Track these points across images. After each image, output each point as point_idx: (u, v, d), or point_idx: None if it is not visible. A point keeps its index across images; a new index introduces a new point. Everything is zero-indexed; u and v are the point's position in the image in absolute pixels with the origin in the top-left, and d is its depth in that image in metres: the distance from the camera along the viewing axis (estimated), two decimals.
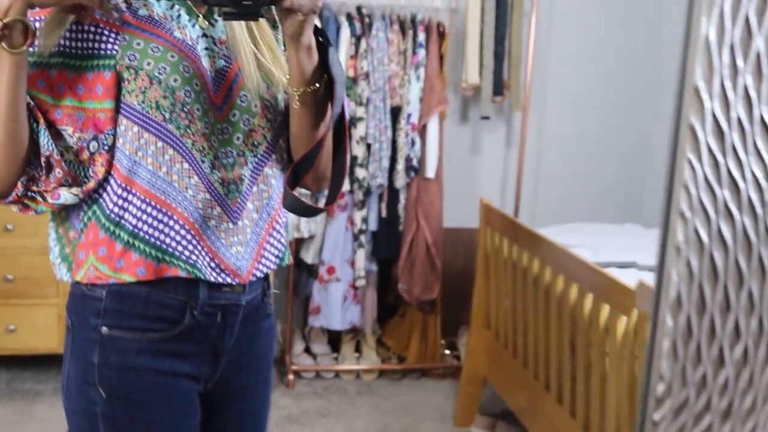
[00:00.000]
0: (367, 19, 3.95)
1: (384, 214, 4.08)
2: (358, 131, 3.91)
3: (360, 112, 3.91)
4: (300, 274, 4.19)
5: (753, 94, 0.74)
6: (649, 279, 2.86)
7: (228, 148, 1.51)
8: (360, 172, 3.94)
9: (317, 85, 1.46)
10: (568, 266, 2.84)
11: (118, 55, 1.43)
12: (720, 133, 0.74)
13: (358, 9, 3.97)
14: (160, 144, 1.45)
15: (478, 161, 4.53)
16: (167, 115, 1.45)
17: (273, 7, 1.40)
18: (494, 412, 3.75)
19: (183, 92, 1.45)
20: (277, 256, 1.65)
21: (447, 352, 4.38)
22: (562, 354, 2.87)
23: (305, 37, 1.41)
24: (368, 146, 3.94)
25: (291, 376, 4.07)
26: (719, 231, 0.75)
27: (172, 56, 1.46)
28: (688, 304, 0.76)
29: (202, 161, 1.49)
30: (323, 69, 1.47)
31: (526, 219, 4.27)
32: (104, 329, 1.47)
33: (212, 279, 1.51)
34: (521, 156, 4.30)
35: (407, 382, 4.24)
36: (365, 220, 4.03)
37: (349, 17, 3.92)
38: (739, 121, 0.74)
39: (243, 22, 1.51)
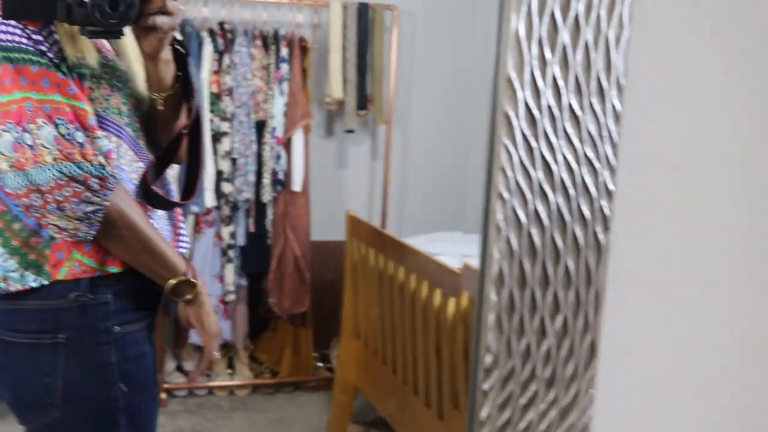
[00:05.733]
0: (229, 35, 3.96)
1: (252, 228, 4.09)
2: (223, 146, 3.91)
3: (225, 127, 3.91)
4: None
5: (561, 83, 0.80)
6: None
7: (149, 146, 1.66)
8: (226, 187, 3.94)
9: (176, 86, 1.61)
10: (431, 272, 2.91)
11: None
12: (532, 120, 0.80)
13: (221, 24, 3.97)
14: (124, 146, 1.55)
15: (345, 174, 4.59)
16: (127, 120, 1.56)
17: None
18: (367, 420, 3.79)
19: (134, 98, 1.60)
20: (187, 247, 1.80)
21: (320, 364, 4.41)
22: (429, 358, 2.94)
23: (165, 53, 1.54)
24: (234, 161, 3.95)
25: (163, 395, 4.02)
26: (536, 211, 0.81)
27: (121, 65, 1.58)
28: (510, 279, 0.81)
29: (148, 160, 1.63)
30: (182, 74, 1.61)
31: (392, 230, 4.34)
32: (117, 328, 1.56)
33: None
34: (386, 169, 4.38)
35: (281, 396, 4.25)
36: (233, 235, 4.03)
37: (212, 33, 3.93)
38: (549, 108, 0.80)
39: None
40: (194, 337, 4.11)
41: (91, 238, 1.48)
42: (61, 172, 1.41)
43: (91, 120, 1.45)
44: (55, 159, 1.40)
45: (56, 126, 1.40)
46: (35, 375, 1.55)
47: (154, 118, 1.66)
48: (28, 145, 1.40)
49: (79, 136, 1.42)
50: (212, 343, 1.69)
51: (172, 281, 1.58)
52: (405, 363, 3.16)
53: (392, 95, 4.31)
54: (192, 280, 1.60)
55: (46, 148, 1.40)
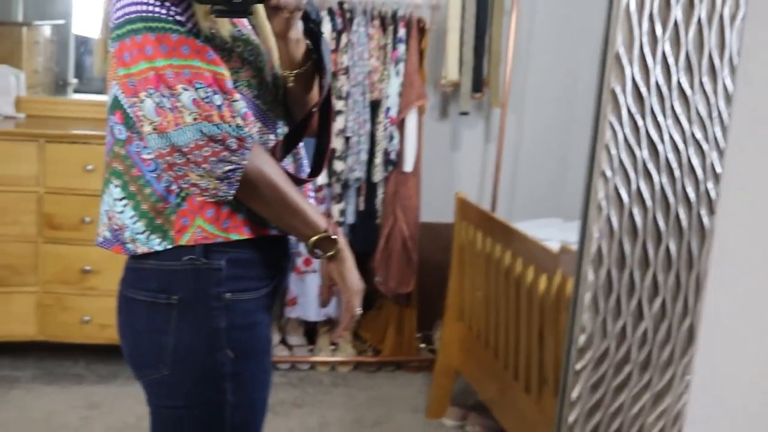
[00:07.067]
0: (348, 14, 3.98)
1: (362, 207, 4.12)
2: (337, 124, 3.95)
3: (339, 105, 3.94)
4: None
5: (671, 60, 0.79)
6: None
7: (284, 119, 1.71)
8: (338, 165, 3.98)
9: (308, 64, 1.64)
10: (537, 256, 2.89)
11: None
12: (640, 98, 0.79)
13: (340, 4, 4.00)
14: (251, 118, 1.57)
15: (457, 157, 4.58)
16: (256, 92, 1.60)
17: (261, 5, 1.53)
18: (466, 403, 3.79)
19: (266, 72, 1.63)
20: None
21: (422, 345, 4.42)
22: (531, 344, 2.92)
23: (293, 32, 1.57)
24: (347, 139, 3.98)
25: (271, 371, 4.09)
26: (638, 190, 0.80)
27: (254, 39, 1.61)
28: (608, 259, 0.80)
29: (280, 133, 1.67)
30: (315, 52, 1.64)
31: (503, 214, 4.31)
32: (228, 295, 1.60)
33: (292, 237, 1.71)
34: (499, 152, 4.34)
35: (382, 374, 4.28)
36: (343, 213, 4.07)
37: (331, 12, 3.96)
38: (658, 86, 0.79)
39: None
40: (294, 312, 4.18)
41: (231, 198, 1.53)
42: (201, 132, 1.46)
43: (230, 84, 1.50)
44: (195, 119, 1.46)
45: (196, 90, 1.46)
46: (151, 332, 1.61)
47: (287, 94, 1.71)
48: (168, 108, 1.46)
49: (218, 99, 1.48)
50: (355, 298, 1.70)
51: (314, 238, 1.61)
52: (507, 347, 3.15)
53: (509, 78, 4.27)
54: (333, 236, 1.63)
55: (186, 110, 1.46)
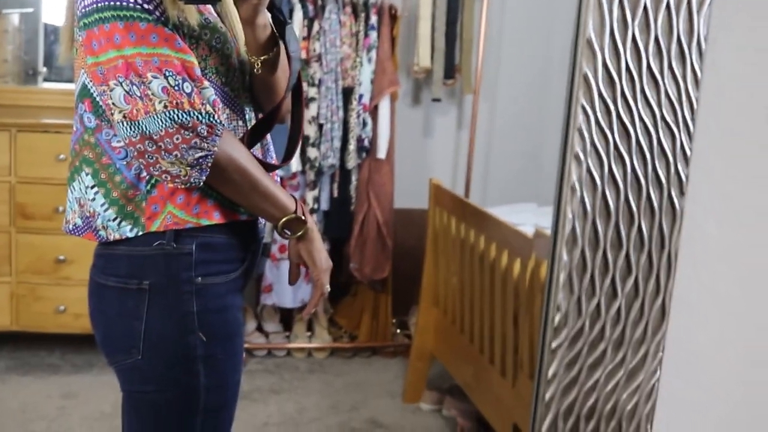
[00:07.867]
0: (320, 2, 3.98)
1: (336, 194, 4.13)
2: (310, 111, 3.95)
3: (312, 92, 3.95)
4: None
5: (641, 45, 0.81)
6: None
7: (251, 105, 1.74)
8: (312, 152, 3.98)
9: (275, 49, 1.65)
10: (511, 241, 2.91)
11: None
12: (611, 82, 0.81)
13: None
14: (220, 105, 1.58)
15: (430, 143, 4.60)
16: (224, 79, 1.62)
17: None
18: (442, 387, 3.82)
19: (234, 59, 1.65)
20: None
21: (398, 330, 4.44)
22: (506, 328, 2.94)
23: (260, 19, 1.58)
24: (320, 126, 3.99)
25: (243, 354, 4.10)
26: (611, 172, 0.82)
27: (221, 27, 1.62)
28: (582, 240, 0.82)
29: (248, 119, 1.71)
30: (281, 39, 1.65)
31: (476, 200, 4.33)
32: (199, 279, 1.61)
33: (261, 221, 1.74)
34: (472, 138, 4.36)
35: (358, 360, 4.30)
36: (317, 200, 4.08)
37: None
38: (629, 70, 0.81)
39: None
40: (270, 299, 4.19)
41: (202, 184, 1.54)
42: (171, 119, 1.47)
43: (198, 71, 1.52)
44: (165, 107, 1.47)
45: (165, 77, 1.47)
46: (123, 318, 1.62)
47: (254, 81, 1.72)
48: (138, 96, 1.47)
49: (187, 87, 1.49)
50: (323, 277, 1.74)
51: (283, 219, 1.64)
52: (482, 332, 3.17)
53: (480, 65, 4.29)
54: (302, 217, 1.66)
55: (156, 97, 1.47)
